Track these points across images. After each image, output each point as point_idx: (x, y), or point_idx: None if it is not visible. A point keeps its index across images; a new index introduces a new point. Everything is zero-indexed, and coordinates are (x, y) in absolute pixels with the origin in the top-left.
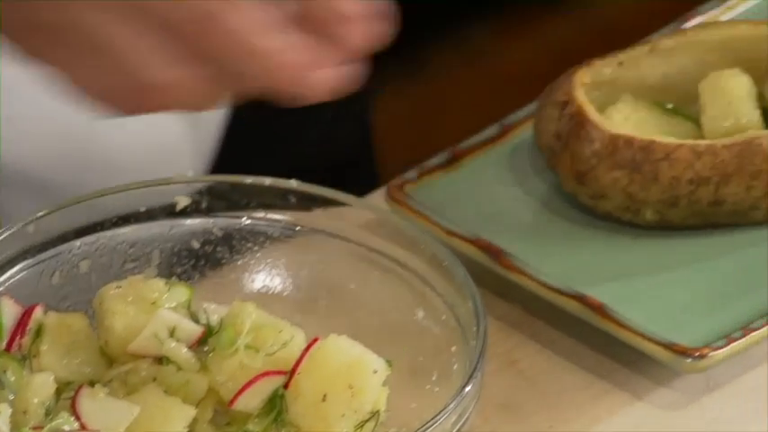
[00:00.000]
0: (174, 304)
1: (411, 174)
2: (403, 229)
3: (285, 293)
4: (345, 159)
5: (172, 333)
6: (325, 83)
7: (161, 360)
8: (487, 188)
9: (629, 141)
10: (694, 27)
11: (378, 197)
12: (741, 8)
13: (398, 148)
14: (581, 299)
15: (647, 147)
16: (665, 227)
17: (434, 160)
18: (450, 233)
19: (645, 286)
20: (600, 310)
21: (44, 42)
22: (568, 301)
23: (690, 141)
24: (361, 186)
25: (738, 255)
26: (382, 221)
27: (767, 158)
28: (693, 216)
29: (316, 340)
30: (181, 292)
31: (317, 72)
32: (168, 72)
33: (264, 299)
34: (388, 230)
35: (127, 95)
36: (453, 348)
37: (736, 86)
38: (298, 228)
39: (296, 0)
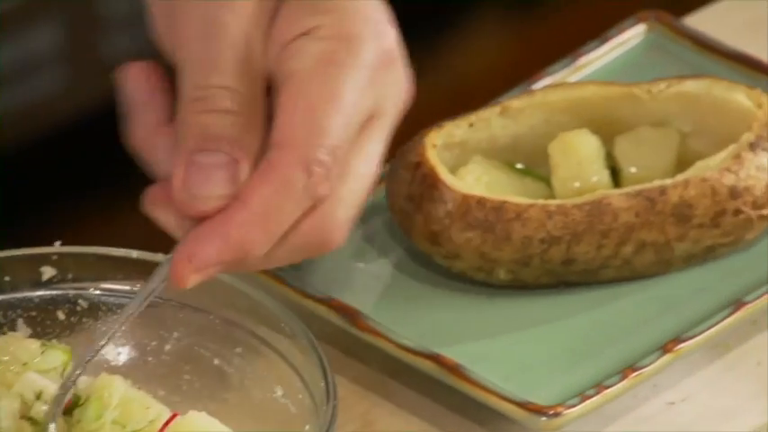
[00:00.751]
0: (46, 367)
1: None
2: (263, 303)
3: (149, 367)
4: None
5: (38, 396)
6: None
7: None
8: (341, 250)
9: (481, 202)
10: (543, 88)
11: None
12: (588, 69)
13: None
14: (436, 359)
15: (499, 207)
16: (519, 286)
17: None
18: (306, 295)
19: (499, 345)
20: (455, 369)
21: None
22: (423, 361)
23: (541, 201)
24: None
25: (590, 313)
26: (244, 294)
27: (616, 217)
28: (546, 275)
29: (175, 416)
30: (56, 356)
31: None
32: None
33: (130, 372)
34: (250, 304)
35: None
36: (307, 428)
37: (585, 147)
38: (163, 301)
39: None
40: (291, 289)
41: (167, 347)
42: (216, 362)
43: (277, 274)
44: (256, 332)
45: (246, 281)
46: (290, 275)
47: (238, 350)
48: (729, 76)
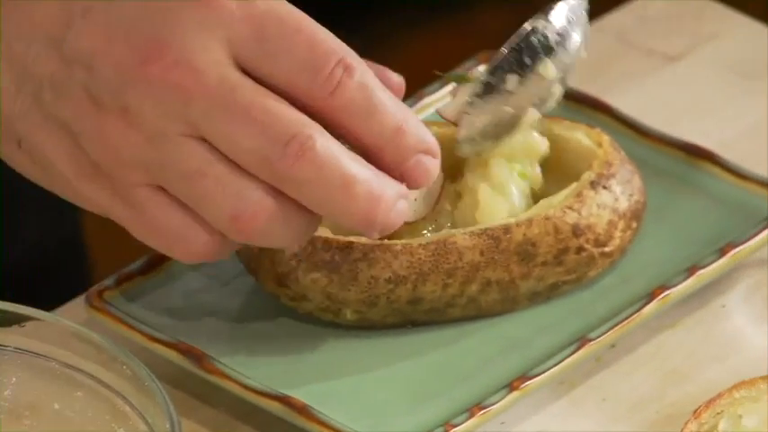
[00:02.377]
0: None
1: (110, 280)
2: (103, 346)
3: None
4: (55, 262)
5: None
6: (394, 212)
7: None
8: (188, 292)
9: (327, 242)
10: None
11: (79, 304)
12: (431, 110)
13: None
14: (284, 400)
15: (345, 247)
16: (366, 326)
17: (133, 266)
18: (152, 339)
19: (347, 385)
20: (303, 410)
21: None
22: (271, 402)
23: (387, 241)
24: (73, 290)
25: (438, 352)
26: (81, 336)
27: (461, 256)
28: (393, 314)
29: None
30: None
31: (391, 201)
32: (247, 201)
33: None
34: (90, 347)
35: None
36: None
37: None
38: (1, 348)
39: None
40: (137, 332)
41: (6, 393)
42: (56, 406)
43: (123, 318)
44: (97, 376)
45: (88, 324)
46: (137, 321)
47: (79, 394)
48: (569, 115)
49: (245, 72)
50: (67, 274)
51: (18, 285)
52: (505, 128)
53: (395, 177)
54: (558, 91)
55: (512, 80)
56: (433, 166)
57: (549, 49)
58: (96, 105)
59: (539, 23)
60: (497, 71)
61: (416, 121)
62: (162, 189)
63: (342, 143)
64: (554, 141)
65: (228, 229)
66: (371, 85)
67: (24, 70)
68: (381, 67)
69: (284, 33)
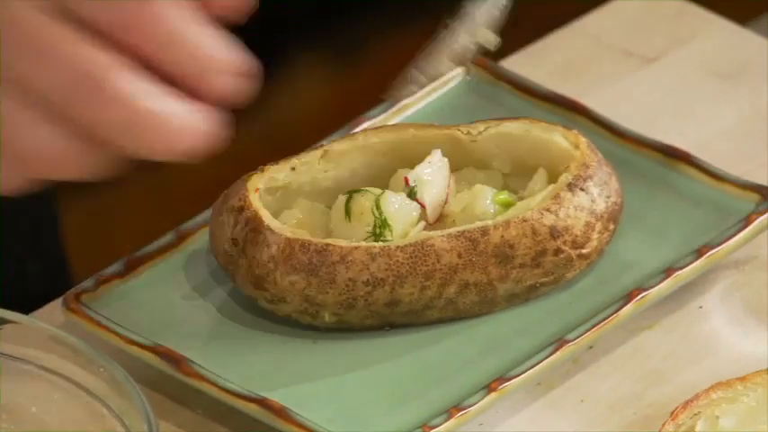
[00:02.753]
0: None
1: (88, 283)
2: (80, 349)
3: None
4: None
5: None
6: (199, 140)
7: None
8: (166, 295)
9: (305, 245)
10: (364, 131)
11: (56, 307)
12: (408, 112)
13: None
14: (262, 402)
15: (323, 250)
16: (345, 328)
17: (110, 269)
18: (130, 342)
19: (326, 387)
20: (281, 412)
21: None
22: (249, 405)
23: (364, 243)
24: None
25: (416, 354)
26: (58, 339)
27: (439, 259)
28: (371, 317)
29: None
30: None
31: (195, 129)
32: (48, 143)
33: None
34: (68, 350)
35: (7, 166)
36: None
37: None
38: None
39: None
40: (115, 335)
41: None
42: (33, 410)
43: (100, 321)
44: (75, 378)
45: (66, 327)
46: (115, 324)
47: (56, 397)
48: (546, 117)
49: (64, 13)
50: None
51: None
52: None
53: (209, 100)
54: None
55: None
56: (233, 83)
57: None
58: None
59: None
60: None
61: (220, 46)
62: None
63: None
64: (531, 143)
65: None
66: (168, 15)
67: None
68: None
69: None
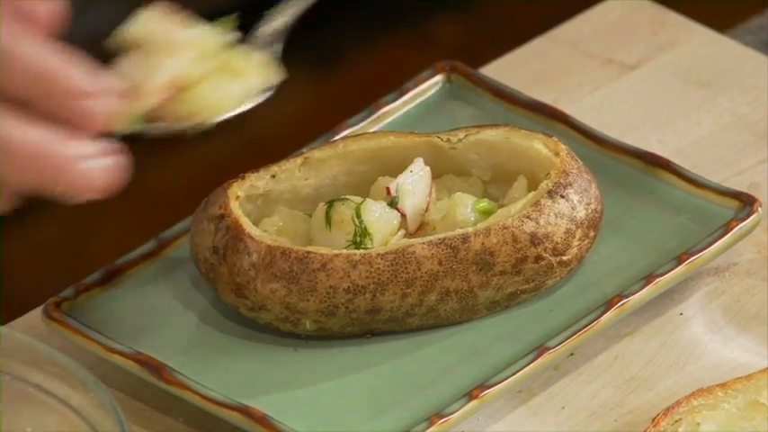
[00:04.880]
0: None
1: (68, 291)
2: (53, 358)
3: None
4: None
5: None
6: (91, 174)
7: None
8: (147, 303)
9: (285, 253)
10: (344, 138)
11: (36, 315)
12: (388, 119)
13: (58, 266)
14: (243, 410)
15: (304, 257)
16: (326, 336)
17: (92, 277)
18: (110, 350)
19: (307, 395)
20: (262, 420)
21: None
22: (231, 413)
23: (345, 251)
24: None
25: (397, 361)
26: (34, 350)
27: (420, 266)
28: (352, 324)
29: None
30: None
31: (81, 163)
32: None
33: None
34: (40, 359)
35: None
36: None
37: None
38: None
39: (29, 89)
40: (95, 343)
41: None
42: (3, 419)
43: (81, 329)
44: (48, 389)
45: (46, 336)
46: (95, 332)
47: (31, 408)
48: (526, 124)
49: None
50: None
51: None
52: None
53: (79, 134)
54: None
55: None
56: (103, 106)
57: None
58: None
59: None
60: None
61: (70, 70)
62: None
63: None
64: (511, 150)
65: None
66: (31, 54)
67: None
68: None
69: None
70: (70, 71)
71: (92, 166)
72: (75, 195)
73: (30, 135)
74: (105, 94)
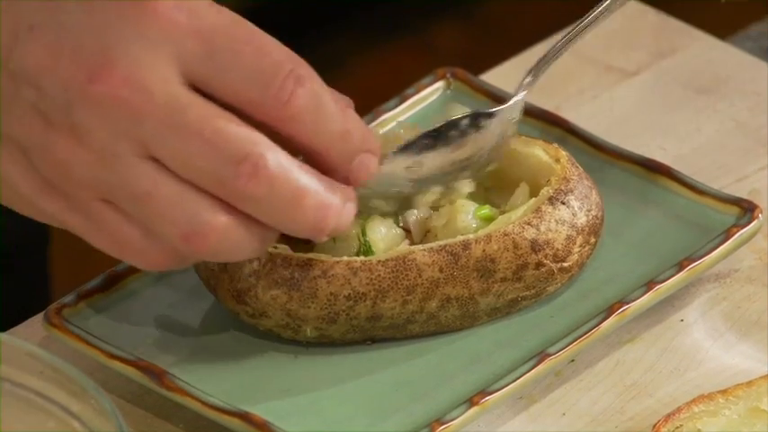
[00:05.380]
0: None
1: (69, 297)
2: (54, 365)
3: None
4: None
5: None
6: (344, 218)
7: None
8: (147, 310)
9: (286, 259)
10: None
11: (37, 321)
12: (387, 127)
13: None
14: (244, 417)
15: (305, 264)
16: (327, 342)
17: (92, 283)
18: (111, 356)
19: (308, 401)
20: (263, 427)
21: None
22: (232, 419)
23: (346, 258)
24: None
25: (398, 367)
26: (34, 356)
27: (421, 273)
28: (353, 331)
29: None
30: None
31: (340, 208)
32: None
33: None
34: (41, 366)
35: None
36: None
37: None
38: None
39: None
40: (96, 349)
41: None
42: (4, 427)
43: (82, 336)
44: (49, 395)
45: (47, 342)
46: (96, 338)
47: (31, 414)
48: (527, 131)
49: (196, 87)
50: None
51: None
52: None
53: (340, 176)
54: (465, 188)
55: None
56: (373, 163)
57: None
58: (46, 123)
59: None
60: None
61: (360, 123)
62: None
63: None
64: (512, 157)
65: (182, 247)
66: (319, 93)
67: None
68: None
69: (233, 47)
70: (365, 131)
71: (325, 202)
72: (303, 232)
73: (317, 187)
74: (376, 151)
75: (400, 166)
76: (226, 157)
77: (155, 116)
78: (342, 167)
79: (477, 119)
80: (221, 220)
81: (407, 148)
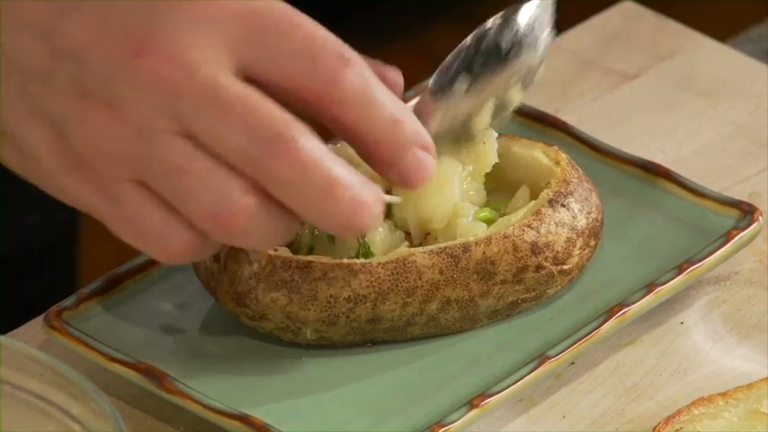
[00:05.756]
0: None
1: (69, 300)
2: (54, 367)
3: None
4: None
5: None
6: (373, 216)
7: None
8: (147, 312)
9: (286, 262)
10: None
11: (37, 324)
12: None
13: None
14: (244, 419)
15: (305, 266)
16: (327, 345)
17: (92, 286)
18: (111, 359)
19: (308, 404)
20: (263, 429)
21: None
22: (232, 422)
23: (346, 260)
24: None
25: (398, 370)
26: (34, 359)
27: (421, 275)
28: (353, 333)
29: None
30: None
31: (372, 205)
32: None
33: None
34: (41, 368)
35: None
36: None
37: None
38: None
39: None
40: (96, 352)
41: None
42: (5, 430)
43: (81, 338)
44: (49, 398)
45: (47, 344)
46: (96, 341)
47: (31, 417)
48: (527, 133)
49: (245, 71)
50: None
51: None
52: (459, 134)
53: (391, 172)
54: (517, 96)
55: (461, 83)
56: (430, 162)
57: (500, 55)
58: (84, 97)
59: (493, 26)
60: (446, 73)
61: (412, 116)
62: (145, 185)
63: (334, 140)
64: (512, 159)
65: (209, 226)
66: (368, 77)
67: (10, 62)
68: (377, 61)
69: (281, 29)
70: (418, 124)
71: (356, 196)
72: (331, 224)
73: (351, 178)
74: (431, 148)
75: (461, 92)
76: (257, 135)
77: (193, 93)
78: (394, 160)
79: (507, 17)
80: (250, 200)
81: (459, 70)
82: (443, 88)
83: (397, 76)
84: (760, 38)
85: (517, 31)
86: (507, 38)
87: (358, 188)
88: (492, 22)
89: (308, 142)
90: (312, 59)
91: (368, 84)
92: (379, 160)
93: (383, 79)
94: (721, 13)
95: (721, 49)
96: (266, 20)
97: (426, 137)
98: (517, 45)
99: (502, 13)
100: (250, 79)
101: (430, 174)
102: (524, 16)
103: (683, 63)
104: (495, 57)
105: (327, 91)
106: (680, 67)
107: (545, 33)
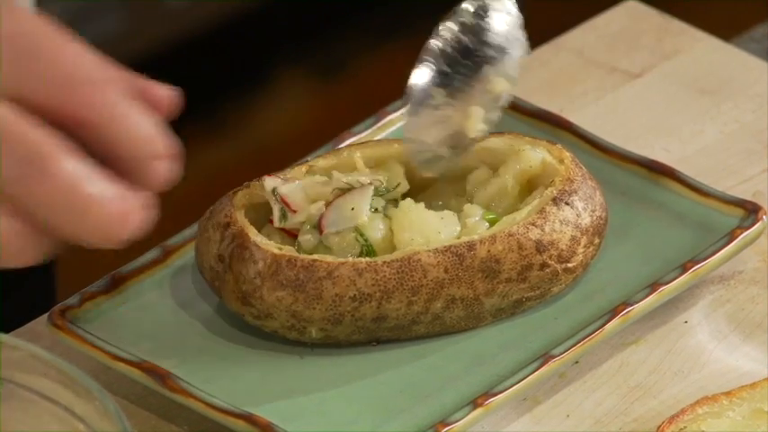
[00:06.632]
0: None
1: (73, 299)
2: (58, 366)
3: None
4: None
5: None
6: (134, 225)
7: None
8: (152, 311)
9: (291, 261)
10: (349, 147)
11: (41, 323)
12: (392, 128)
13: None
14: (248, 418)
15: (310, 265)
16: (332, 344)
17: (96, 285)
18: (116, 358)
19: (312, 403)
20: (268, 428)
21: None
22: (236, 421)
23: (351, 259)
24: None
25: (403, 369)
26: (37, 357)
27: (426, 274)
28: (358, 332)
29: None
30: None
31: (131, 216)
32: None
33: None
34: (44, 367)
35: None
36: None
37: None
38: None
39: (102, 138)
40: (100, 351)
41: None
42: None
43: (85, 337)
44: (53, 397)
45: (51, 343)
46: (100, 340)
47: (35, 416)
48: (531, 132)
49: (9, 93)
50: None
51: None
52: (458, 137)
53: (136, 181)
54: (502, 86)
55: (437, 94)
56: (167, 169)
57: (467, 52)
58: None
59: (451, 32)
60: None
61: (154, 130)
62: None
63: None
64: (516, 158)
65: None
66: (119, 100)
67: None
68: (145, 80)
69: (42, 54)
70: (153, 129)
71: (114, 211)
72: (92, 240)
73: (104, 192)
74: (174, 161)
75: (431, 87)
76: (11, 159)
77: None
78: (139, 172)
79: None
80: (13, 224)
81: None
82: (421, 102)
83: (162, 92)
84: (764, 37)
85: (476, 27)
86: (468, 39)
87: (114, 203)
88: (446, 29)
89: (61, 164)
90: (68, 84)
91: (118, 106)
92: (126, 171)
93: (146, 97)
94: (725, 12)
95: (725, 48)
96: (30, 44)
97: (163, 147)
98: (480, 43)
99: (450, 17)
100: (19, 101)
101: (167, 178)
102: (477, 14)
103: (687, 62)
104: (464, 60)
105: (81, 115)
106: (684, 66)
107: (508, 18)
